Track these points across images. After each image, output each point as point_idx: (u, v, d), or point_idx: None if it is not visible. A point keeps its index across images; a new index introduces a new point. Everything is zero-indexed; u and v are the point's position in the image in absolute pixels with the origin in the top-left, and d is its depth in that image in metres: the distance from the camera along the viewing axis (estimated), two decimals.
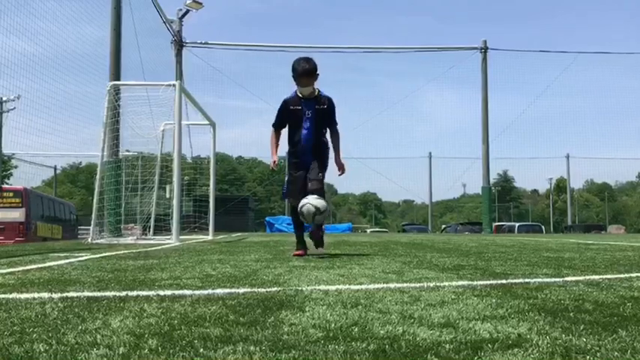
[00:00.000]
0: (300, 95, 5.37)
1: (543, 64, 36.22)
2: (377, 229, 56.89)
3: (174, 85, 10.93)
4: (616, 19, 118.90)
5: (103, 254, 5.84)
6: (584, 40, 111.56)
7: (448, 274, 3.51)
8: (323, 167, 5.41)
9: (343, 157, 5.60)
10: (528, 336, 1.66)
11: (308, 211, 5.10)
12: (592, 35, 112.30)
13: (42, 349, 1.51)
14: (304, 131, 5.35)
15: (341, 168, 5.57)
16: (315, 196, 5.16)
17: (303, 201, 5.13)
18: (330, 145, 5.56)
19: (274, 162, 5.54)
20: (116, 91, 11.69)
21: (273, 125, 5.54)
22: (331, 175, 5.58)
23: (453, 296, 2.46)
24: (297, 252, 5.45)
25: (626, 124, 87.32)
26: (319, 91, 5.43)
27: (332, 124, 5.52)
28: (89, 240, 10.71)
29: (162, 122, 13.36)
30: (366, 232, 45.30)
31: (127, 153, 14.22)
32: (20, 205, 17.54)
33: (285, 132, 5.54)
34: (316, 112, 5.33)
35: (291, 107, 5.37)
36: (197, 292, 2.63)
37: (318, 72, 5.34)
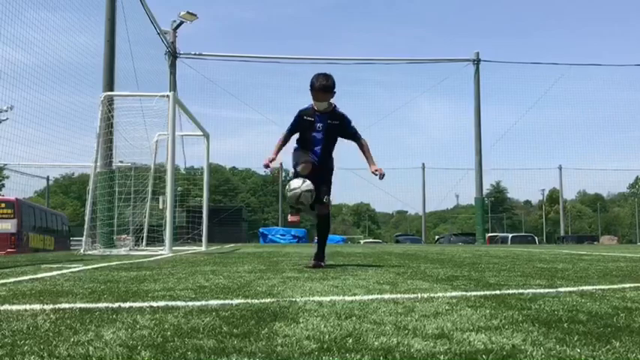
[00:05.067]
0: (316, 109, 5.46)
1: (535, 75, 36.47)
2: (370, 240, 56.90)
3: (168, 96, 10.94)
4: (607, 31, 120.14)
5: (96, 265, 5.80)
6: (576, 53, 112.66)
7: (442, 285, 3.51)
8: (328, 189, 5.46)
9: (376, 164, 5.60)
10: (523, 347, 1.66)
11: (305, 198, 5.20)
12: (584, 47, 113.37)
13: None
14: (314, 143, 5.44)
15: (379, 173, 5.56)
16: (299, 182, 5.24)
17: (297, 191, 5.19)
18: (334, 165, 5.65)
19: (270, 159, 5.50)
20: (110, 102, 11.69)
21: (288, 130, 5.58)
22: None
23: (447, 307, 2.46)
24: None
25: (618, 135, 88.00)
26: (335, 107, 5.49)
27: (354, 137, 5.59)
28: (82, 251, 10.65)
29: (156, 133, 13.37)
30: (359, 242, 45.29)
31: (121, 164, 14.18)
32: (12, 216, 17.42)
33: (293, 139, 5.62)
34: (328, 126, 5.42)
35: (305, 117, 5.46)
36: (190, 303, 2.62)
37: (335, 89, 5.42)
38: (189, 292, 3.08)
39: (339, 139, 5.61)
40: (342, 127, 5.50)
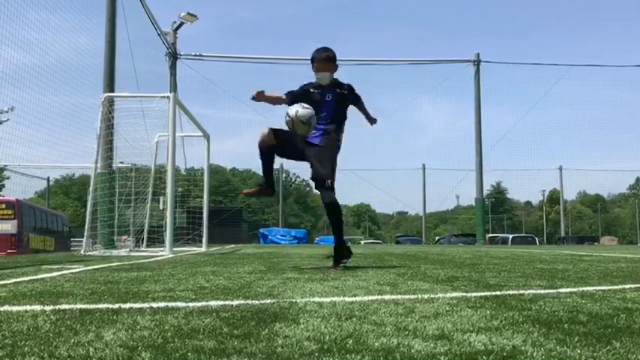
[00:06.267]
0: (320, 84, 5.27)
1: (536, 76, 36.54)
2: (371, 241, 56.89)
3: (168, 97, 10.94)
4: (607, 31, 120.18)
5: (96, 266, 5.80)
6: (576, 52, 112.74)
7: (442, 286, 3.51)
8: (331, 159, 5.15)
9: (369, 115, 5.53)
10: (523, 347, 1.66)
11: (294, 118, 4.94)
12: (584, 47, 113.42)
13: None
14: (322, 113, 5.16)
15: (372, 119, 5.48)
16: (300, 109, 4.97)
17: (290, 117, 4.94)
18: (341, 141, 5.38)
19: (260, 92, 5.26)
20: (110, 103, 11.70)
21: (287, 93, 5.34)
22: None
23: (447, 308, 2.46)
24: (258, 190, 5.43)
25: (618, 136, 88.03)
26: (337, 79, 5.35)
27: (358, 101, 5.44)
28: (82, 252, 10.65)
29: (157, 134, 13.39)
30: (360, 243, 45.27)
31: (121, 164, 14.20)
32: (12, 216, 17.44)
33: None
34: (337, 95, 5.24)
35: (312, 90, 5.26)
36: (191, 304, 2.62)
37: (335, 61, 5.28)
38: (190, 293, 3.08)
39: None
40: (349, 95, 5.33)
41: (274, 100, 5.38)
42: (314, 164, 5.14)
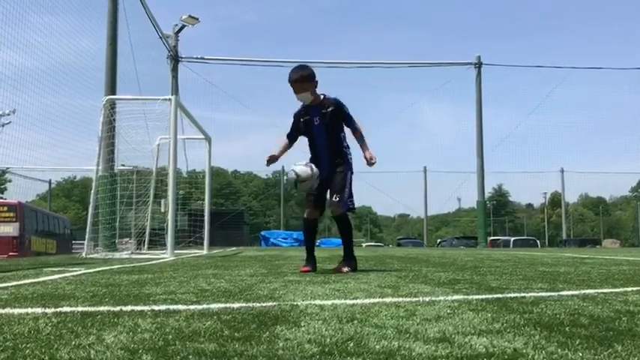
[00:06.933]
0: (303, 104, 5.35)
1: (538, 79, 36.56)
2: (372, 243, 56.84)
3: (170, 100, 10.94)
4: (608, 35, 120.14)
5: (98, 269, 5.81)
6: (578, 53, 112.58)
7: (444, 289, 3.50)
8: (344, 182, 5.28)
9: (370, 151, 5.43)
10: (524, 350, 1.65)
11: (289, 178, 5.25)
12: (585, 51, 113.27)
13: None
14: (317, 139, 5.33)
15: (370, 159, 5.41)
16: (302, 163, 5.22)
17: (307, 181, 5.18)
18: (350, 154, 5.47)
19: (271, 155, 5.48)
20: (112, 106, 11.71)
21: (287, 135, 5.56)
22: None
23: (448, 311, 2.46)
24: (304, 268, 5.33)
25: (620, 138, 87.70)
26: (324, 96, 5.36)
27: (348, 122, 5.38)
28: (83, 254, 10.65)
29: (158, 136, 13.39)
30: (361, 246, 45.24)
31: (123, 167, 14.21)
32: (14, 219, 17.46)
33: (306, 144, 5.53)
34: (323, 115, 5.27)
35: (301, 119, 5.36)
36: (192, 307, 2.62)
37: (313, 78, 5.28)
38: (191, 296, 3.08)
39: None
40: (336, 111, 5.30)
41: (285, 150, 5.61)
42: (324, 184, 5.32)
